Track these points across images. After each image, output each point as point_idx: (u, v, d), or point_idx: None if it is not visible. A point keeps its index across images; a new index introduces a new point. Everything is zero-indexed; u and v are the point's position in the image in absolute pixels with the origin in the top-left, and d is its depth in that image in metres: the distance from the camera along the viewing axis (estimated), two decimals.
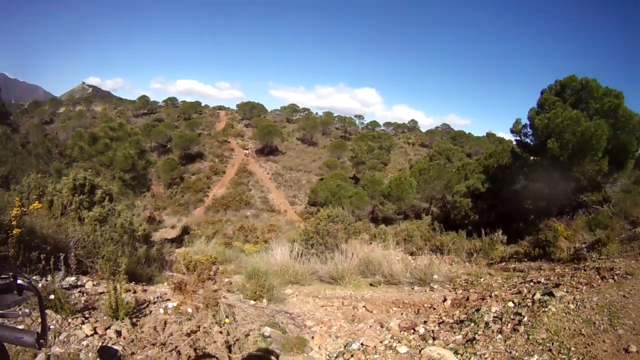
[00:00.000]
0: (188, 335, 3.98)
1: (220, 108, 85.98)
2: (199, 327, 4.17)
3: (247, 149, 56.12)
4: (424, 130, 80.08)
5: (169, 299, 4.92)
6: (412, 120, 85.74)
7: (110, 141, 21.01)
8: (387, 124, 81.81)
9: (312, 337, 5.32)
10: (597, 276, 6.31)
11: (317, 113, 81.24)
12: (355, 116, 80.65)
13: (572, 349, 4.12)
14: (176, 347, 3.77)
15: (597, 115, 13.42)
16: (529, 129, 15.59)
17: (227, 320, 4.53)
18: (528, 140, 15.84)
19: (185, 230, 24.61)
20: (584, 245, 9.37)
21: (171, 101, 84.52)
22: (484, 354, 4.24)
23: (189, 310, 4.59)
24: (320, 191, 31.66)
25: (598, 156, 12.88)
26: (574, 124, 12.99)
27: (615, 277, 6.06)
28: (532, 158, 15.96)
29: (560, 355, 4.05)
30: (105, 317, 4.05)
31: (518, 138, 16.34)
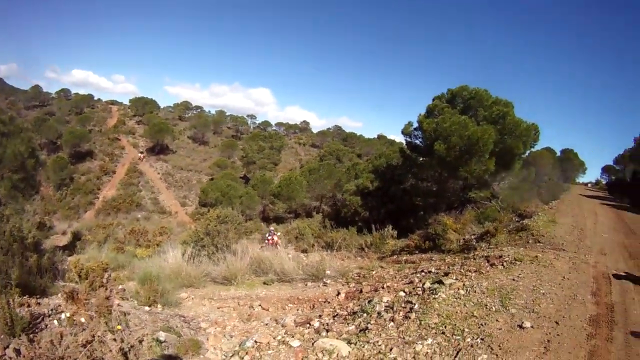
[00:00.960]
0: (84, 346, 3.98)
1: (113, 103, 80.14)
2: (93, 336, 4.16)
3: (142, 151, 52.15)
4: (315, 131, 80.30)
5: (63, 311, 4.71)
6: (304, 122, 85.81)
7: (0, 136, 18.28)
8: (279, 124, 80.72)
9: (207, 339, 5.42)
10: (487, 263, 6.58)
11: (209, 111, 79.00)
12: (248, 116, 78.94)
13: (466, 329, 4.14)
14: (75, 359, 3.80)
15: (486, 121, 14.51)
16: (418, 132, 16.34)
17: (119, 327, 4.46)
18: (418, 142, 16.63)
19: (77, 236, 22.89)
20: (473, 237, 9.91)
21: (64, 93, 76.83)
22: (377, 342, 4.21)
23: (83, 320, 4.47)
24: (210, 191, 31.34)
25: (485, 157, 13.95)
26: (462, 128, 13.87)
27: (505, 264, 6.37)
28: (421, 159, 16.74)
29: (454, 336, 4.04)
30: (2, 335, 3.89)
31: (408, 139, 17.11)
